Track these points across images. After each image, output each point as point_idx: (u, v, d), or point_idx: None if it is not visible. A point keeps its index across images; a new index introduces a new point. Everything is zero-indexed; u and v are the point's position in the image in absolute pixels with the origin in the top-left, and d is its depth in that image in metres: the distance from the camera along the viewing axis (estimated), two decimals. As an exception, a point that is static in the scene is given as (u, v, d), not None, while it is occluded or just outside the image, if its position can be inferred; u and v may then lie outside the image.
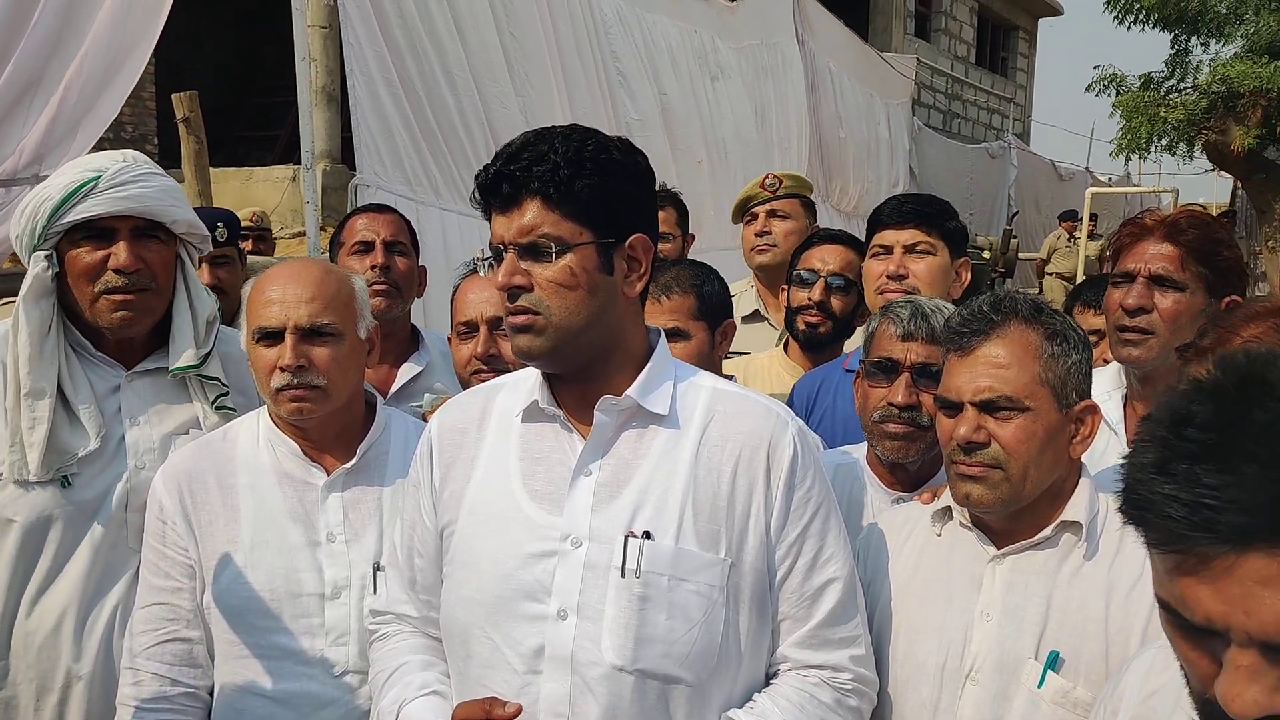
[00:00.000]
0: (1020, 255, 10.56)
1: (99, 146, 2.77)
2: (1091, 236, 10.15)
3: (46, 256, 1.51)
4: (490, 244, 1.17)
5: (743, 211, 2.81)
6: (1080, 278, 8.98)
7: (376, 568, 1.42)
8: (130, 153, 1.55)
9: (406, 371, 2.08)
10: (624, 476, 1.17)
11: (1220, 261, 1.56)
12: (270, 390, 1.41)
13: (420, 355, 2.12)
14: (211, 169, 4.44)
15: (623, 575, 1.13)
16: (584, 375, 1.19)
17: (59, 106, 2.80)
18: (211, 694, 1.44)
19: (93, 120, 2.84)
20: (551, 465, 1.19)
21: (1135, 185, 15.78)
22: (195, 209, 1.71)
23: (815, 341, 2.24)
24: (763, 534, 1.18)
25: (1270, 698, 0.62)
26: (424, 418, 1.68)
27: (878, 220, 1.96)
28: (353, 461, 1.46)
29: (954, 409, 1.26)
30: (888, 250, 1.91)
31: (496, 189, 1.14)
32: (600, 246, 1.14)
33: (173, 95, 3.99)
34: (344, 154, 6.48)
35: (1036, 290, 10.27)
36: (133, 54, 2.90)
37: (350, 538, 1.43)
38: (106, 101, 2.88)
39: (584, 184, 1.11)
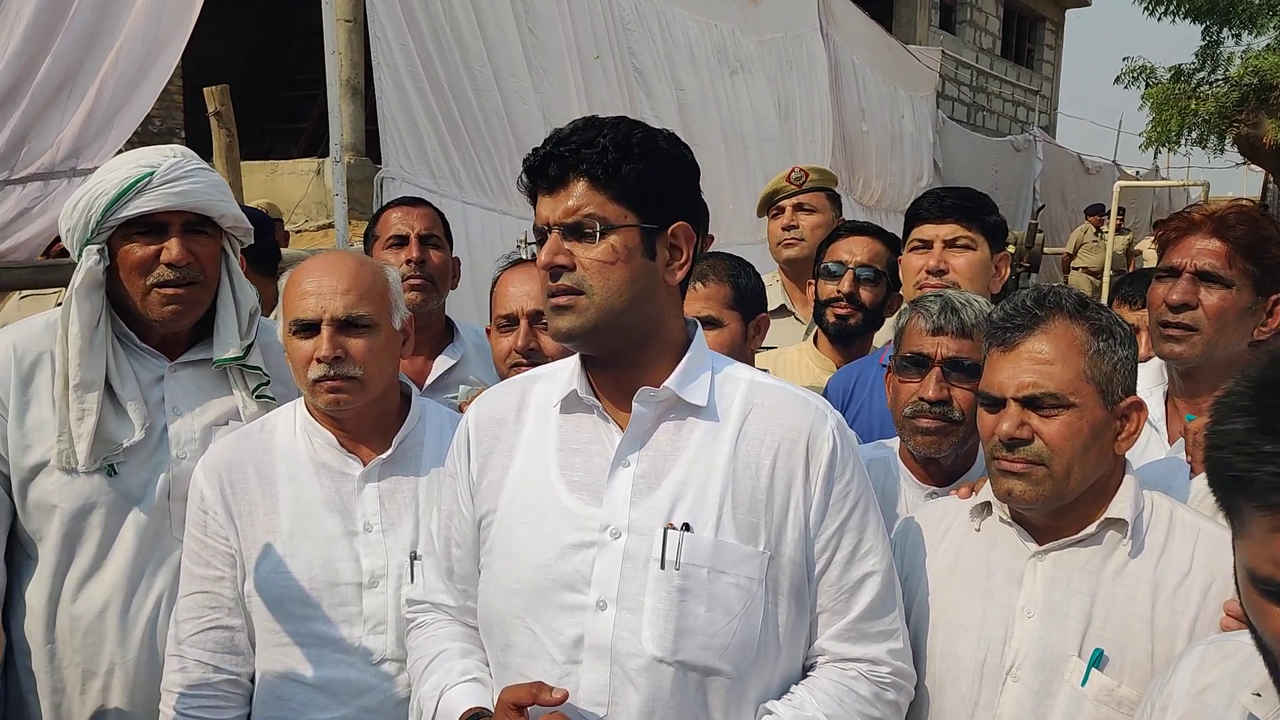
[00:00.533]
0: (1046, 250, 10.40)
1: (130, 140, 2.81)
2: (1119, 231, 9.98)
3: (99, 250, 1.52)
4: (534, 225, 1.18)
5: (768, 205, 2.80)
6: (1107, 273, 8.84)
7: (413, 557, 1.43)
8: (179, 148, 1.57)
9: (442, 364, 2.09)
10: (662, 468, 1.17)
11: (1268, 259, 1.52)
12: (307, 382, 1.43)
13: (455, 347, 2.13)
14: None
15: (662, 567, 1.14)
16: (622, 363, 1.19)
17: (95, 101, 2.84)
18: (253, 681, 1.46)
19: (128, 114, 2.88)
20: (590, 456, 1.20)
21: (1164, 179, 15.51)
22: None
23: (845, 334, 2.22)
24: (802, 527, 1.18)
25: None
26: (460, 410, 1.69)
27: (916, 214, 1.94)
28: (388, 452, 1.47)
29: (996, 404, 1.24)
30: (927, 245, 1.88)
31: (544, 170, 1.15)
32: (644, 231, 1.15)
33: (204, 89, 4.02)
34: (368, 147, 6.51)
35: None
36: (166, 48, 2.93)
37: (387, 527, 1.44)
38: (141, 96, 2.92)
39: (631, 168, 1.13)
